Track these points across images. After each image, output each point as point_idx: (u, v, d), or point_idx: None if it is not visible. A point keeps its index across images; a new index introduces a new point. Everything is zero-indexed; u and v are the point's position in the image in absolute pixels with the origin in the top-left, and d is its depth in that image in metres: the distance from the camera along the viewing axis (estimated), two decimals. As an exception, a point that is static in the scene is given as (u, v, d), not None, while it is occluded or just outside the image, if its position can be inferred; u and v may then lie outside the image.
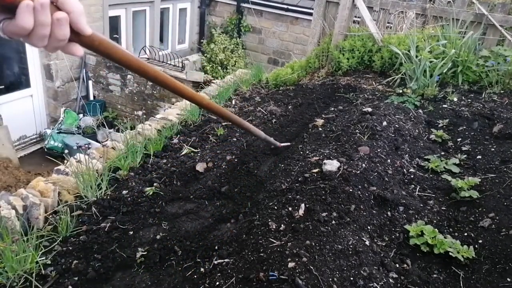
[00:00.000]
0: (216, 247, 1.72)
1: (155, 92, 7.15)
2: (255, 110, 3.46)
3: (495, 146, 2.42)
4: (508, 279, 1.48)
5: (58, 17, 0.61)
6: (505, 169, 2.14)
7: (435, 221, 1.85)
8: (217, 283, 1.46)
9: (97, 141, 6.62)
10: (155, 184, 2.28)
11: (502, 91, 3.23)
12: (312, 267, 1.38)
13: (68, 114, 7.03)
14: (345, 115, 2.89)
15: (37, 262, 1.68)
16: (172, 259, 1.72)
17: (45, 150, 6.66)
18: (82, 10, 0.65)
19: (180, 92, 1.13)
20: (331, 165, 2.02)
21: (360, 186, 1.89)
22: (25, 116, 6.88)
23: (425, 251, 1.64)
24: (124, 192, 2.22)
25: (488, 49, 3.65)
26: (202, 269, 1.61)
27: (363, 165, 2.04)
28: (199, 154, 2.65)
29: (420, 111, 3.01)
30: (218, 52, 9.64)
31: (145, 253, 1.74)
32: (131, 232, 1.90)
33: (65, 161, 2.51)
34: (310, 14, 5.90)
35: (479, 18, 3.69)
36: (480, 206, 1.89)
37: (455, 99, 3.15)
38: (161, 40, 9.66)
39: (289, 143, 2.54)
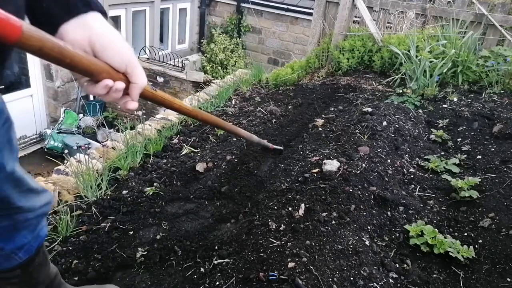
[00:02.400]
0: (216, 247, 1.72)
1: (155, 92, 7.16)
2: (255, 110, 3.46)
3: (495, 146, 2.42)
4: (508, 279, 1.48)
5: (115, 97, 0.80)
6: (505, 169, 2.14)
7: (435, 221, 1.85)
8: (217, 283, 1.46)
9: (97, 141, 6.62)
10: (155, 184, 2.28)
11: (502, 91, 3.23)
12: (312, 267, 1.38)
13: (68, 114, 7.03)
14: (345, 115, 2.89)
15: (37, 262, 1.68)
16: (172, 259, 1.72)
17: (45, 150, 6.67)
18: (142, 85, 0.80)
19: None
20: (331, 165, 2.02)
21: (360, 186, 1.89)
22: (25, 116, 6.88)
23: (425, 251, 1.64)
24: (124, 192, 2.22)
25: (488, 49, 3.65)
26: (202, 269, 1.61)
27: (363, 165, 2.05)
28: (199, 154, 2.65)
29: (420, 111, 3.01)
30: (218, 52, 9.64)
31: (145, 253, 1.74)
32: (131, 232, 1.90)
33: (65, 161, 2.51)
34: (310, 14, 5.90)
35: (479, 18, 3.69)
36: (480, 206, 1.89)
37: (455, 99, 3.15)
38: (161, 40, 9.66)
39: (281, 148, 2.59)
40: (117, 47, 0.76)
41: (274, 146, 2.52)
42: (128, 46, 0.78)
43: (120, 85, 0.77)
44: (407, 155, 2.37)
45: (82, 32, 0.74)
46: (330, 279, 1.36)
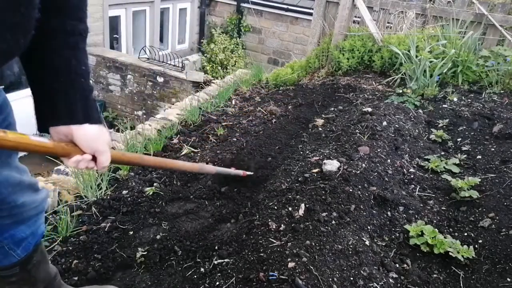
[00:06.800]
0: (216, 247, 1.72)
1: (155, 92, 7.15)
2: (255, 110, 3.46)
3: (495, 146, 2.42)
4: (508, 279, 1.48)
5: (82, 166, 0.98)
6: (505, 169, 2.14)
7: (435, 221, 1.85)
8: (217, 283, 1.46)
9: (97, 141, 6.60)
10: (155, 184, 2.28)
11: (502, 91, 3.23)
12: (312, 267, 1.38)
13: (68, 114, 7.01)
14: (345, 115, 2.89)
15: (37, 262, 1.67)
16: (172, 259, 1.72)
17: (45, 150, 6.65)
18: (104, 165, 0.98)
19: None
20: (331, 165, 2.02)
21: (360, 186, 1.89)
22: (25, 116, 6.87)
23: (425, 251, 1.64)
24: (124, 192, 2.22)
25: (488, 49, 3.65)
26: (202, 269, 1.61)
27: (363, 165, 2.04)
28: (199, 154, 2.65)
29: (420, 111, 3.01)
30: (218, 52, 9.64)
31: (145, 253, 1.74)
32: (131, 232, 1.90)
33: (65, 161, 2.50)
34: (310, 14, 5.90)
35: (479, 18, 3.69)
36: (480, 206, 1.88)
37: (455, 99, 3.15)
38: (161, 40, 9.66)
39: (252, 173, 2.13)
40: (88, 141, 0.96)
41: (247, 173, 2.07)
42: (102, 141, 0.98)
43: (88, 157, 0.97)
44: (407, 155, 2.37)
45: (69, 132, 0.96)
46: (330, 279, 1.36)
